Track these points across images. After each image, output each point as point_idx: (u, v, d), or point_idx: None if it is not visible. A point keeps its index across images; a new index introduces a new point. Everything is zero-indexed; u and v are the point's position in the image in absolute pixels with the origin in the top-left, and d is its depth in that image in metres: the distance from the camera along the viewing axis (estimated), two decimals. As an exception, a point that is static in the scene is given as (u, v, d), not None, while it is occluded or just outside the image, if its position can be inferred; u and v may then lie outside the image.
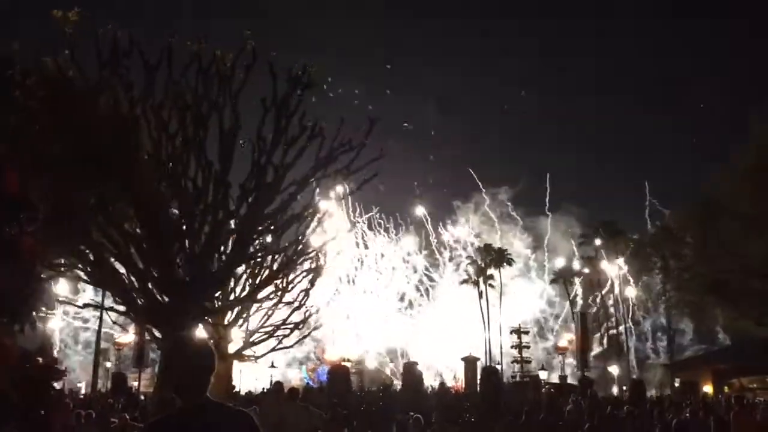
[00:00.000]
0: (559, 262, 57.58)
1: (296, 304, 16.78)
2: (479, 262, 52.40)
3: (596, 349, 52.53)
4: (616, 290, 52.92)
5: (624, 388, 43.18)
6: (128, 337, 33.15)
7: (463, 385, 40.83)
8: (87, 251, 11.67)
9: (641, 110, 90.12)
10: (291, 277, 16.09)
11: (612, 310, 53.97)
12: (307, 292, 16.87)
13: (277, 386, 15.41)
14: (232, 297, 14.66)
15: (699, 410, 15.32)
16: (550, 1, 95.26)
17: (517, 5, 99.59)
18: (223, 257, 12.57)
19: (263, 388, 30.96)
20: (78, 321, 50.26)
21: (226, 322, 15.77)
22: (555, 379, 45.49)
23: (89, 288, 25.43)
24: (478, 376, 33.44)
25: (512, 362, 47.17)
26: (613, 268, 52.08)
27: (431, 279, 59.58)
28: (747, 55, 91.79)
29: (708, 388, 38.17)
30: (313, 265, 16.50)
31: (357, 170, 13.71)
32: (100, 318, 33.91)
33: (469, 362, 40.77)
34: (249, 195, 12.20)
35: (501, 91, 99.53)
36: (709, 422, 13.00)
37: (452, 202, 61.39)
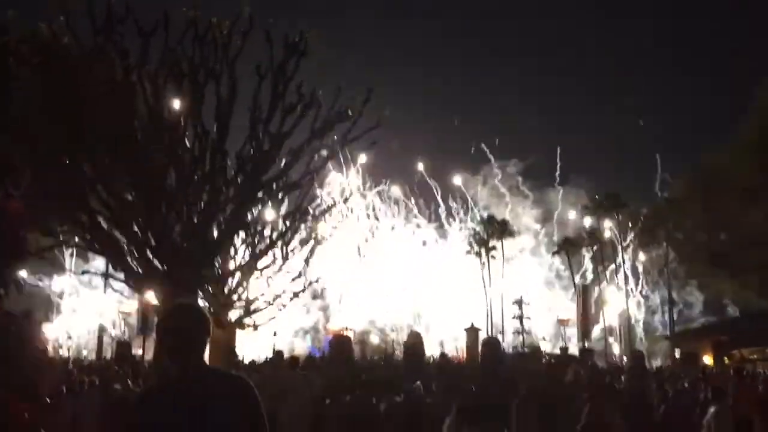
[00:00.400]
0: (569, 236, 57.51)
1: (296, 273, 16.81)
2: (482, 234, 52.43)
3: (606, 323, 52.78)
4: (622, 262, 52.97)
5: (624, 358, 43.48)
6: (132, 305, 33.42)
7: (465, 355, 41.13)
8: (84, 218, 11.64)
9: (657, 79, 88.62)
10: (291, 246, 16.10)
11: (621, 282, 54.03)
12: (307, 261, 16.88)
13: (277, 355, 15.55)
14: (231, 265, 14.68)
15: (697, 381, 15.37)
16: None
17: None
18: (222, 226, 12.54)
19: (266, 358, 31.27)
20: (88, 288, 50.46)
21: (226, 291, 15.82)
22: (559, 350, 45.79)
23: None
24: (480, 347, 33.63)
25: (513, 332, 47.53)
26: (615, 239, 52.02)
27: (439, 251, 59.70)
28: None
29: (708, 359, 38.35)
30: (313, 234, 16.48)
31: (354, 139, 13.60)
32: (105, 286, 34.15)
33: (471, 332, 41.02)
34: (246, 163, 12.11)
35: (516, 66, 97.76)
36: (707, 392, 13.04)
37: (461, 174, 61.10)
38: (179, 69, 11.73)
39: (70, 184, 11.04)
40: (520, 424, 10.65)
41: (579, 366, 28.09)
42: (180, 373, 2.89)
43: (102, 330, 40.49)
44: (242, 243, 15.45)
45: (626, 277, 53.99)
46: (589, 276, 54.80)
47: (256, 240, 14.68)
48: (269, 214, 13.94)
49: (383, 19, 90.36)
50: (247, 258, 14.71)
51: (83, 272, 19.56)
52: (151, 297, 16.55)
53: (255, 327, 17.32)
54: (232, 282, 16.08)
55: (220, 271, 14.29)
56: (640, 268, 55.14)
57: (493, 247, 51.79)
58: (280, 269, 16.55)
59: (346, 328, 46.86)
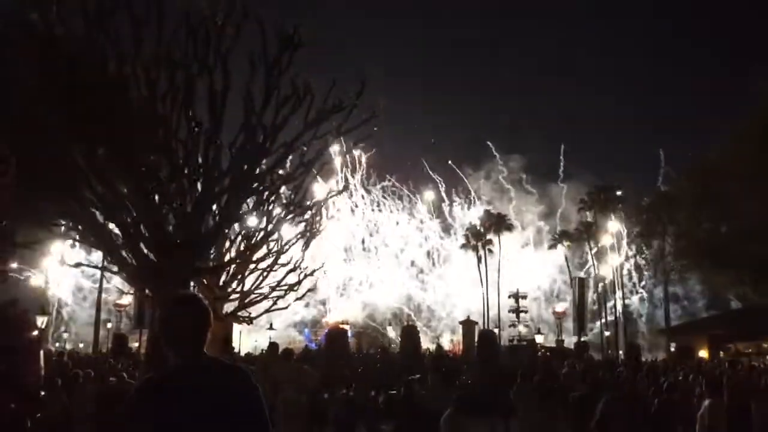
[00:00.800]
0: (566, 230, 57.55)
1: (291, 265, 16.82)
2: (479, 228, 52.51)
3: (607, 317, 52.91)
4: (617, 256, 53.03)
5: (621, 352, 43.64)
6: (128, 297, 33.41)
7: (461, 349, 41.24)
8: (77, 210, 11.59)
9: (663, 74, 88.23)
10: (286, 239, 16.12)
11: (622, 276, 54.12)
12: (303, 253, 16.89)
13: (272, 347, 15.57)
14: (227, 258, 14.67)
15: (692, 374, 15.42)
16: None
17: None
18: (217, 218, 12.50)
19: (262, 350, 31.32)
20: (88, 281, 50.38)
21: (221, 283, 15.82)
22: (555, 343, 45.90)
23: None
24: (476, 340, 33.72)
25: (510, 326, 47.66)
26: (614, 233, 52.09)
27: (441, 245, 59.92)
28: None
29: (704, 353, 38.50)
30: (308, 227, 16.48)
31: (348, 131, 13.56)
32: (101, 278, 34.14)
33: (468, 326, 41.12)
34: (239, 155, 12.06)
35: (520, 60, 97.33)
36: (702, 385, 13.06)
37: (464, 169, 61.18)
38: (172, 60, 11.63)
39: (63, 174, 10.98)
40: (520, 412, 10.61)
41: (574, 359, 28.18)
42: (183, 364, 2.88)
43: (98, 323, 40.38)
44: (237, 235, 15.44)
45: (630, 272, 54.16)
46: (593, 271, 54.91)
47: (250, 232, 14.66)
48: (262, 205, 13.89)
49: (384, 14, 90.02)
50: (242, 250, 14.71)
51: (77, 264, 19.46)
52: (142, 289, 16.53)
53: (250, 321, 17.33)
54: (227, 275, 16.08)
55: (215, 263, 14.28)
56: (643, 263, 55.27)
57: (490, 241, 51.85)
58: (275, 262, 16.55)
59: (344, 322, 46.98)
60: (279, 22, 12.31)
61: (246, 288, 16.99)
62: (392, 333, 53.36)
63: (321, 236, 19.01)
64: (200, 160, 11.82)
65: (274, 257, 16.43)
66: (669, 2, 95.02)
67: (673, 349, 42.54)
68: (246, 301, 16.87)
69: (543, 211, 59.63)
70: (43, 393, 10.73)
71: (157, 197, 11.62)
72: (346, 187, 46.89)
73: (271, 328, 39.58)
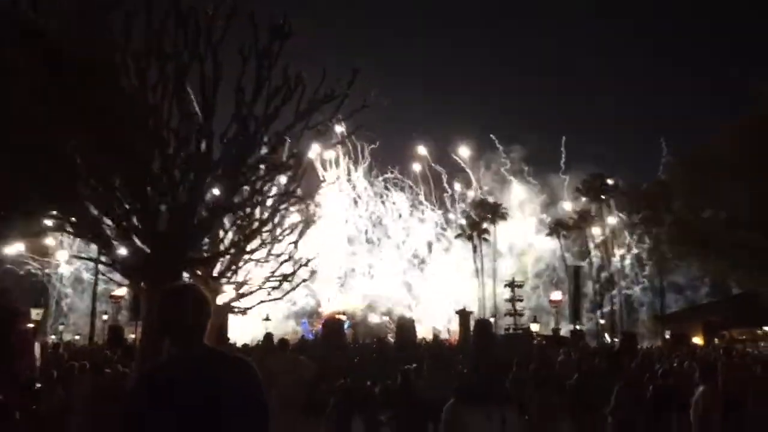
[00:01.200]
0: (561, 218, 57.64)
1: (285, 256, 16.82)
2: (474, 217, 52.58)
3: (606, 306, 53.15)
4: (616, 246, 53.22)
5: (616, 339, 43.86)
6: (123, 289, 33.37)
7: (458, 338, 41.39)
8: (68, 202, 11.53)
9: (665, 67, 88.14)
10: (280, 229, 16.08)
11: (623, 266, 54.33)
12: (295, 244, 16.89)
13: (267, 338, 15.59)
14: (221, 248, 14.62)
15: (687, 360, 15.51)
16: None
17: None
18: (209, 207, 12.45)
19: (258, 341, 31.35)
20: (88, 273, 50.32)
21: (215, 274, 15.78)
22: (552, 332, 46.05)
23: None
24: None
25: (505, 315, 47.84)
26: (615, 222, 52.28)
27: (443, 236, 60.00)
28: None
29: (698, 340, 38.72)
30: (303, 217, 16.46)
31: (339, 121, 13.52)
32: (96, 270, 34.03)
33: (464, 315, 41.26)
34: (230, 145, 12.02)
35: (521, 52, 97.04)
36: (696, 371, 13.11)
37: (463, 158, 61.08)
38: (163, 50, 11.54)
39: (53, 165, 10.91)
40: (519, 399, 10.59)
41: (570, 347, 28.31)
42: (176, 355, 2.87)
43: (94, 314, 40.35)
44: (231, 225, 15.42)
45: (632, 263, 54.32)
46: (596, 261, 55.10)
47: (244, 222, 14.64)
48: (255, 195, 13.87)
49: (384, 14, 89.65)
50: (236, 240, 14.68)
51: (73, 257, 19.44)
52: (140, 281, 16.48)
53: (244, 312, 17.33)
54: (222, 265, 16.04)
55: (208, 254, 14.25)
56: (636, 250, 55.45)
57: (486, 230, 51.92)
58: (269, 252, 16.51)
59: (340, 312, 47.11)
60: (269, 12, 12.24)
61: (240, 279, 16.97)
62: (390, 323, 53.54)
63: (321, 227, 19.02)
64: (192, 149, 11.77)
65: (268, 248, 16.40)
66: (669, 2, 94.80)
67: (668, 337, 42.81)
68: (240, 291, 16.85)
69: (545, 201, 59.74)
70: (38, 385, 10.74)
71: (149, 188, 11.56)
72: (337, 180, 47.12)
73: (267, 319, 39.63)
